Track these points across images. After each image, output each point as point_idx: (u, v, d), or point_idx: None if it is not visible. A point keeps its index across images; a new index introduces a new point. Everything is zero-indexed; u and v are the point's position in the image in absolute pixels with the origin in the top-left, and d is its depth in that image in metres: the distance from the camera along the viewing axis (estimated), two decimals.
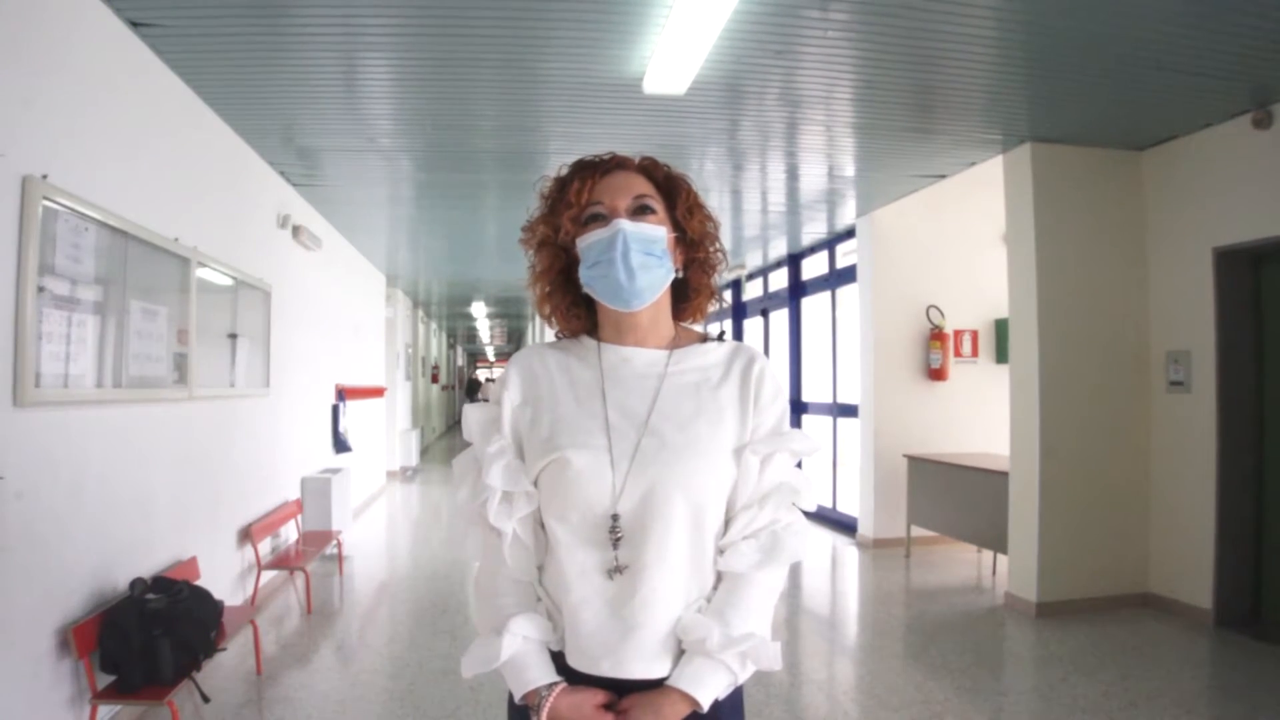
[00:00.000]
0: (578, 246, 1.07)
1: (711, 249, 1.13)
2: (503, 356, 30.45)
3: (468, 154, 4.59)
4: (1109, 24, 2.89)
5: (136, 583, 2.75)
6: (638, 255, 1.03)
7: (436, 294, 12.19)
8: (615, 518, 1.00)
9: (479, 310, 14.40)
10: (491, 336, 22.21)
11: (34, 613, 2.34)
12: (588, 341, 1.13)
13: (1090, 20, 2.86)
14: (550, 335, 1.22)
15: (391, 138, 4.30)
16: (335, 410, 6.48)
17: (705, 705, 0.98)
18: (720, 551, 1.04)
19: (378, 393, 8.66)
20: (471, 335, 21.93)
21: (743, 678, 1.01)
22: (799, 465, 1.14)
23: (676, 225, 1.10)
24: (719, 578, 1.05)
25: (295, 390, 5.28)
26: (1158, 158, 4.27)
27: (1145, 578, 4.29)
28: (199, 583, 3.16)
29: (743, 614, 1.01)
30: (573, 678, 1.01)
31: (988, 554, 5.34)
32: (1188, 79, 3.38)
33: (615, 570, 1.00)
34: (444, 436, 17.79)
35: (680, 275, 1.11)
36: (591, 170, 1.08)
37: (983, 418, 5.84)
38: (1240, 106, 3.69)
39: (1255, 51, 3.12)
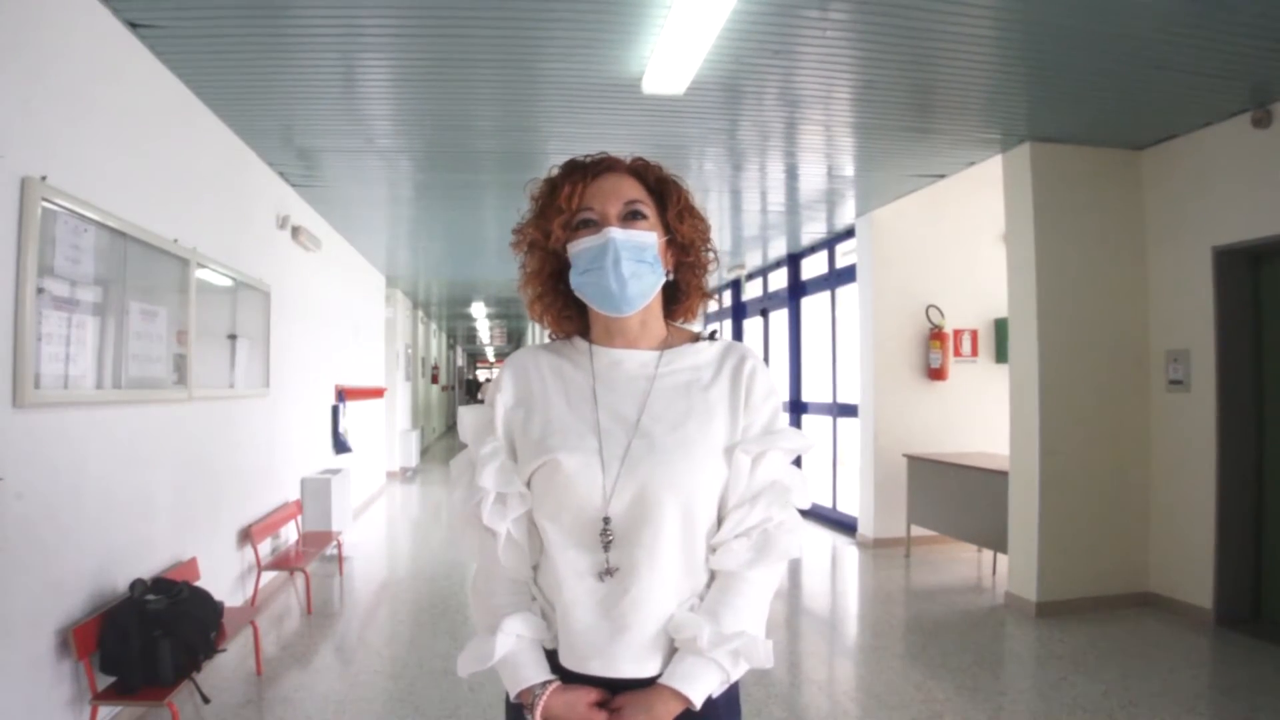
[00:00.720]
0: (569, 252, 1.07)
1: (702, 251, 1.13)
2: (502, 357, 30.43)
3: (467, 154, 4.59)
4: (1109, 24, 2.89)
5: (136, 584, 2.75)
6: (629, 263, 1.03)
7: (436, 294, 12.20)
8: (606, 520, 1.00)
9: (479, 311, 14.42)
10: (491, 337, 22.22)
11: (34, 614, 2.35)
12: (580, 343, 1.13)
13: (1090, 20, 2.86)
14: (548, 336, 1.22)
15: (391, 138, 4.30)
16: (335, 411, 6.48)
17: (697, 703, 0.98)
18: (713, 550, 1.04)
19: (377, 393, 8.66)
20: (471, 336, 21.95)
21: (735, 675, 1.01)
22: (798, 464, 1.14)
23: (668, 228, 1.10)
24: (712, 576, 1.05)
25: (295, 391, 5.28)
26: (1157, 157, 4.27)
27: (1145, 577, 4.29)
28: (199, 583, 3.17)
29: (734, 612, 1.01)
30: (567, 677, 1.01)
31: (988, 554, 5.34)
32: (1188, 78, 3.38)
33: (606, 573, 1.00)
34: (444, 437, 17.79)
35: (671, 278, 1.12)
36: (582, 173, 1.08)
37: (982, 417, 5.83)
38: (1240, 105, 3.69)
39: (1255, 51, 3.12)
